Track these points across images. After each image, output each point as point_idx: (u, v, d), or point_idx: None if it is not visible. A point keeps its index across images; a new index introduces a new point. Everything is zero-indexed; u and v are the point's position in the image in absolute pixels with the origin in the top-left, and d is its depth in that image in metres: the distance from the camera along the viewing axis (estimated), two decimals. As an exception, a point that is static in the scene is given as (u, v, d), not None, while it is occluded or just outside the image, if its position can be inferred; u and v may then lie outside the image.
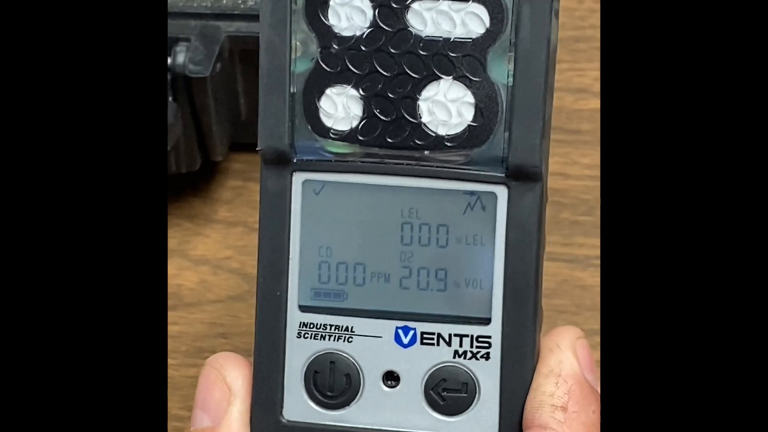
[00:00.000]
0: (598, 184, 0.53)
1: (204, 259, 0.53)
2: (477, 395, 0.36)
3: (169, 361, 0.50)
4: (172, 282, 0.52)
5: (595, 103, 0.55)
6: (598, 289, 0.52)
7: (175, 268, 0.52)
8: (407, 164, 0.36)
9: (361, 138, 0.36)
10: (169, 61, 0.48)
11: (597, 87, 0.55)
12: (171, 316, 0.51)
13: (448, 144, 0.36)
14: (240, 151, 0.55)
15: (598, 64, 0.55)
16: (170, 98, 0.48)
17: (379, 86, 0.35)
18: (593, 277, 0.51)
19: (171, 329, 0.51)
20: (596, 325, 0.51)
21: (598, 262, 0.52)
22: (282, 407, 0.36)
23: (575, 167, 0.53)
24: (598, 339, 0.50)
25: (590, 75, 0.55)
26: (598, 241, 0.52)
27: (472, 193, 0.36)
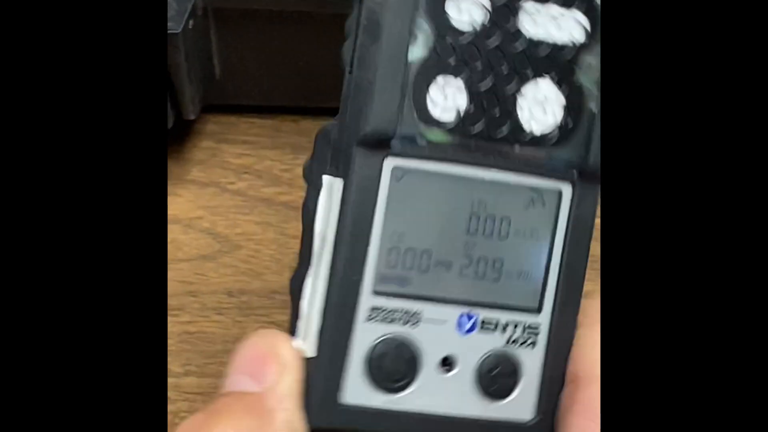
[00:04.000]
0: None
1: (175, 218, 0.53)
2: (520, 380, 0.38)
3: (137, 317, 0.50)
4: (142, 240, 0.52)
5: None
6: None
7: (146, 226, 0.52)
8: (491, 156, 0.38)
9: (462, 128, 0.37)
10: (141, 16, 0.47)
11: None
12: (140, 273, 0.51)
13: (538, 141, 0.38)
14: (213, 113, 0.55)
15: None
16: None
17: (486, 81, 0.37)
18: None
19: (140, 286, 0.51)
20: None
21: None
22: (340, 389, 0.37)
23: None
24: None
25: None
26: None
27: (536, 189, 0.38)
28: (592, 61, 0.38)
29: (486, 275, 0.38)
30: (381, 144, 0.37)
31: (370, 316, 0.37)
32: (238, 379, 0.37)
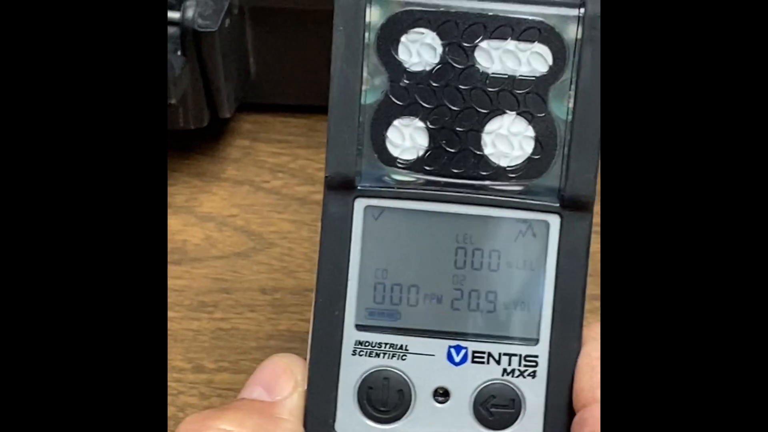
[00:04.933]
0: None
1: (210, 216, 0.54)
2: (523, 411, 0.39)
3: (172, 314, 0.51)
4: (177, 237, 0.53)
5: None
6: (599, 255, 0.51)
7: (181, 224, 0.53)
8: (466, 193, 0.38)
9: (426, 168, 0.38)
10: (178, 15, 0.49)
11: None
12: (175, 270, 0.52)
13: (509, 175, 0.38)
14: (249, 112, 0.55)
15: None
16: (178, 52, 0.48)
17: (446, 119, 0.38)
18: (595, 243, 0.51)
19: (175, 283, 0.52)
20: (596, 290, 0.50)
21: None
22: (335, 420, 0.39)
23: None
24: (597, 303, 0.50)
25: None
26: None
27: (525, 221, 0.38)
28: (560, 91, 0.37)
29: (480, 307, 0.38)
30: (347, 185, 0.38)
31: (355, 350, 0.38)
32: (252, 389, 0.39)
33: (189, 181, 0.55)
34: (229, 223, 0.54)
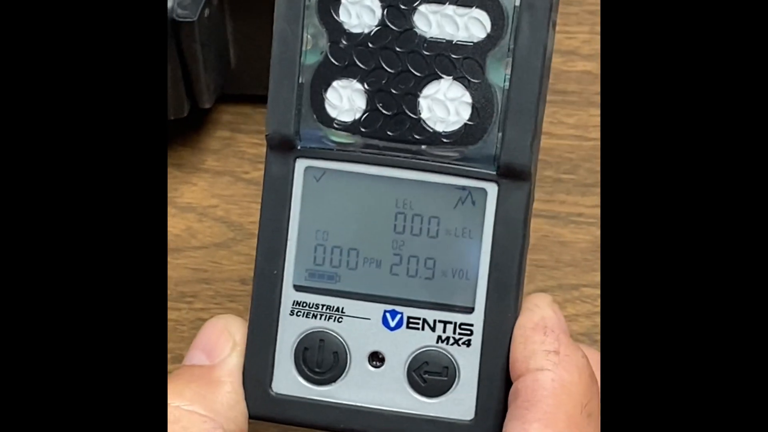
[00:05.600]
0: (582, 143, 0.54)
1: (190, 206, 0.54)
2: (456, 379, 0.39)
3: (151, 303, 0.50)
4: (157, 228, 0.52)
5: (583, 65, 0.55)
6: (578, 245, 0.52)
7: (161, 214, 0.52)
8: (404, 157, 0.38)
9: (363, 129, 0.38)
10: (156, 4, 0.48)
11: (585, 50, 0.56)
12: (155, 260, 0.51)
13: (445, 140, 0.38)
14: (229, 102, 0.55)
15: (587, 27, 0.56)
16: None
17: (383, 82, 0.38)
18: (573, 233, 0.52)
19: (154, 273, 0.51)
20: (574, 279, 0.52)
21: (579, 219, 0.53)
22: (272, 380, 0.39)
23: (561, 127, 0.54)
24: (576, 293, 0.50)
25: (579, 38, 0.56)
26: (579, 199, 0.53)
27: (463, 188, 0.38)
28: (498, 58, 0.37)
29: (418, 273, 0.38)
30: (286, 146, 0.38)
31: (293, 310, 0.39)
32: (193, 354, 0.39)
33: (169, 171, 0.55)
34: (209, 214, 0.54)
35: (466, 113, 0.38)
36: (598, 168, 0.53)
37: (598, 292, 0.51)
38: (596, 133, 0.54)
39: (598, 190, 0.53)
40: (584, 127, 0.54)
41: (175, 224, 0.54)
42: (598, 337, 0.50)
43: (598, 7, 0.54)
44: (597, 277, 0.52)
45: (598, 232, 0.52)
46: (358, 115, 0.38)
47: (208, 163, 0.55)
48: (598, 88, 0.55)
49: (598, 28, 0.55)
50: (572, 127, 0.54)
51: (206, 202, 0.54)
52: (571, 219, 0.53)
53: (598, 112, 0.55)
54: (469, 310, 0.38)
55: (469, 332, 0.38)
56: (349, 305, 0.39)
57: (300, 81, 0.38)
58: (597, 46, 0.55)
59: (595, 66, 0.55)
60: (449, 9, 0.37)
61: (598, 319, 0.51)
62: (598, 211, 0.53)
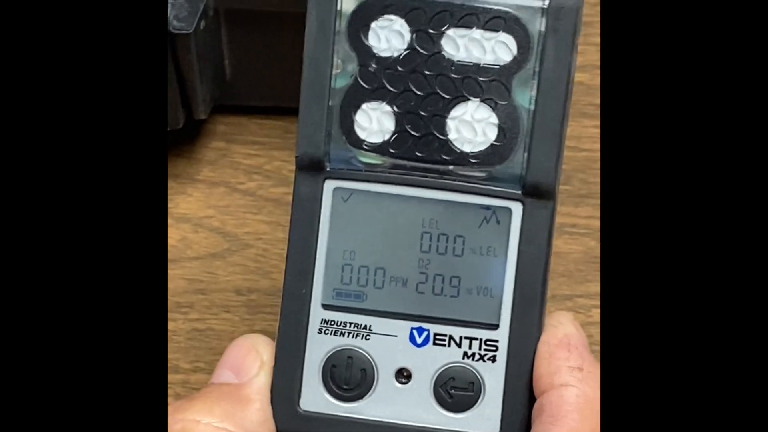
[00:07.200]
0: (576, 154, 0.54)
1: (185, 217, 0.54)
2: (482, 394, 0.39)
3: (147, 314, 0.50)
4: (153, 238, 0.52)
5: (576, 76, 0.54)
6: (571, 255, 0.52)
7: (156, 224, 0.52)
8: (432, 177, 0.39)
9: (391, 150, 0.39)
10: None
11: (578, 60, 0.54)
12: (150, 271, 0.51)
13: (472, 160, 0.39)
14: (224, 113, 0.56)
15: (585, 38, 0.55)
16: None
17: (412, 104, 0.39)
18: (566, 244, 0.53)
19: (150, 284, 0.51)
20: (568, 290, 0.52)
21: (572, 229, 0.54)
22: (300, 398, 0.40)
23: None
24: (570, 304, 0.51)
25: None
26: (572, 210, 0.54)
27: (488, 207, 0.39)
28: (524, 80, 0.39)
29: (444, 291, 0.39)
30: (316, 166, 0.39)
31: (321, 329, 0.40)
32: (221, 373, 0.40)
33: (164, 182, 0.55)
34: (205, 224, 0.54)
35: (492, 134, 0.39)
36: (592, 179, 0.54)
37: (592, 302, 0.52)
38: (590, 144, 0.55)
39: (592, 201, 0.54)
40: (578, 138, 0.55)
41: (170, 235, 0.54)
42: (593, 348, 0.50)
43: (591, 18, 0.55)
44: (591, 288, 0.52)
45: (592, 243, 0.53)
46: (387, 137, 0.39)
47: (203, 174, 0.55)
48: (591, 98, 0.55)
49: (591, 39, 0.56)
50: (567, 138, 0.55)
51: (201, 213, 0.55)
52: (564, 230, 0.53)
53: (592, 123, 0.55)
54: (494, 326, 0.39)
55: (494, 348, 0.39)
56: (377, 323, 0.39)
57: (330, 104, 0.39)
58: (590, 56, 0.56)
59: (587, 77, 0.56)
60: (476, 33, 0.38)
61: (592, 330, 0.51)
62: (591, 221, 0.53)
